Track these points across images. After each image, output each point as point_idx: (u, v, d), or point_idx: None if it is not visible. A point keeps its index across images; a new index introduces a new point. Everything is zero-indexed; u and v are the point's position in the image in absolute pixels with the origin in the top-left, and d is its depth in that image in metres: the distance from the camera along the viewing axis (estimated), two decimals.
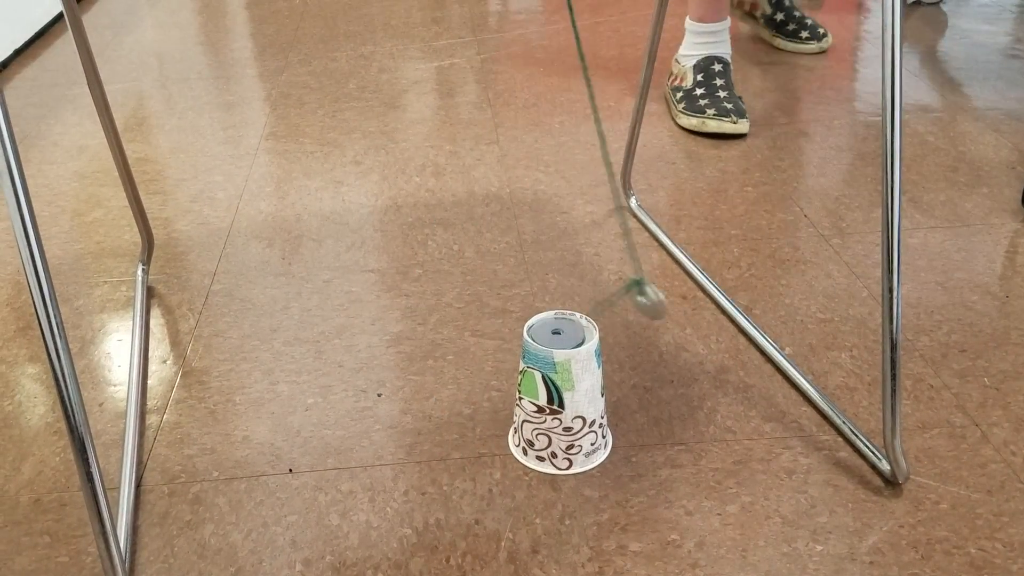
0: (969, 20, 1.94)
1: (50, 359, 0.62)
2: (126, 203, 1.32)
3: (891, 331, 0.74)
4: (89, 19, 2.15)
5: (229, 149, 1.47)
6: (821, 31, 1.74)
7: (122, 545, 0.75)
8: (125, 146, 1.50)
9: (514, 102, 1.61)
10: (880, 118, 1.49)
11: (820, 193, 1.27)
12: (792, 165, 1.35)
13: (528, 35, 1.94)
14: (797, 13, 1.75)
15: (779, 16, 1.74)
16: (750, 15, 1.80)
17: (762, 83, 1.63)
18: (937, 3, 2.05)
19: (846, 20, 1.94)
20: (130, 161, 1.45)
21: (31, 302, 1.05)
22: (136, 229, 1.25)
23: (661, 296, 0.84)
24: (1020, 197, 1.24)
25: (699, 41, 1.50)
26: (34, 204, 1.31)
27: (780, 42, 1.76)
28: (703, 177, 1.32)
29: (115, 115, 1.61)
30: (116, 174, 1.40)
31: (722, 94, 1.46)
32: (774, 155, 1.38)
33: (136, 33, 2.04)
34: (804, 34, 1.74)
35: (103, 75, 1.79)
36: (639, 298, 0.83)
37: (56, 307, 0.62)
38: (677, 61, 1.55)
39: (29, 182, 1.39)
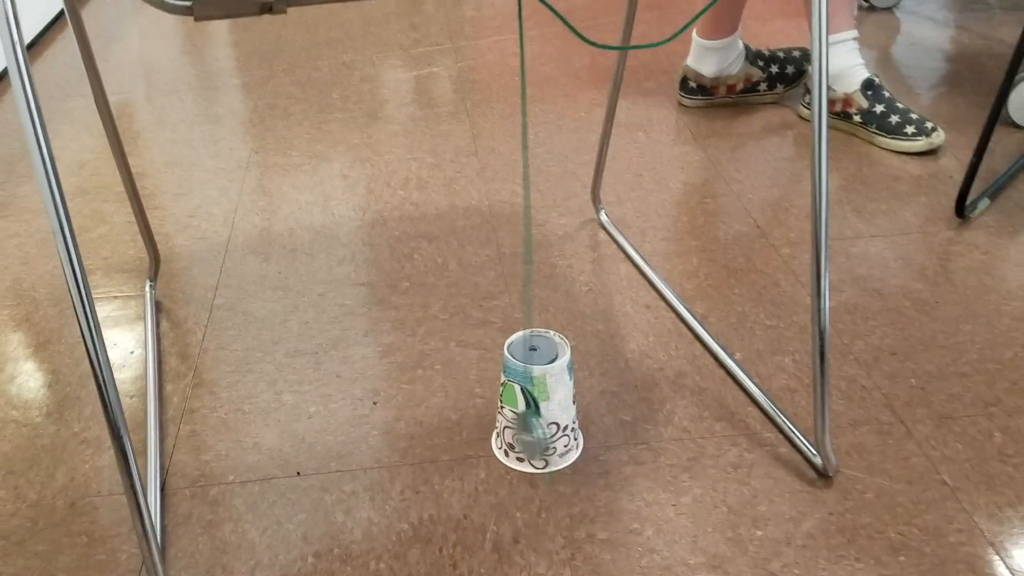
0: (921, 26, 2.06)
1: (95, 373, 0.72)
2: (128, 219, 1.40)
3: (820, 347, 0.86)
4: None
5: (221, 163, 1.56)
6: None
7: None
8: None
9: (491, 113, 1.70)
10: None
11: (772, 204, 1.38)
12: (748, 176, 1.46)
13: (503, 43, 2.03)
14: (900, 105, 1.53)
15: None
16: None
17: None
18: (890, 8, 2.16)
19: (803, 26, 2.04)
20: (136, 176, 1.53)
21: (75, 318, 1.14)
22: (139, 244, 1.34)
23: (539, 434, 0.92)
24: (954, 206, 1.36)
25: (856, 51, 1.53)
26: (41, 221, 1.40)
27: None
28: (667, 189, 1.43)
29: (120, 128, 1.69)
30: (117, 190, 1.48)
31: (901, 105, 1.53)
32: (731, 167, 1.49)
33: (124, 42, 2.11)
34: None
35: (107, 84, 1.86)
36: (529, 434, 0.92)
37: (96, 322, 0.72)
38: (830, 87, 1.54)
39: (33, 198, 1.47)
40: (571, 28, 0.66)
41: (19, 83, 0.65)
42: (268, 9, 0.61)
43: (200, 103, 1.79)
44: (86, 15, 2.29)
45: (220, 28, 2.19)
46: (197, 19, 0.60)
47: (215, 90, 1.84)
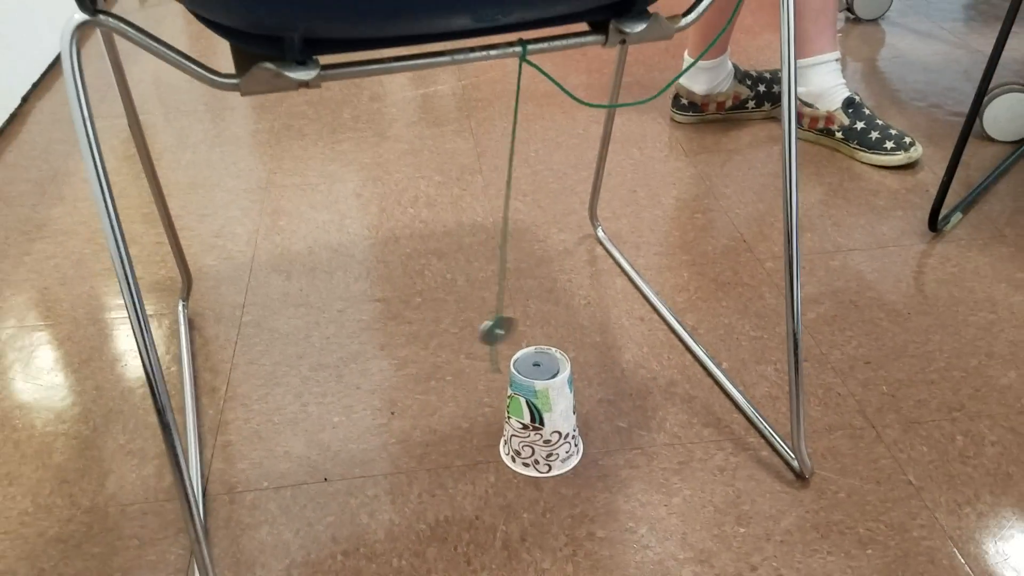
0: (905, 38, 2.15)
1: (151, 389, 0.82)
2: (156, 240, 1.50)
3: (794, 362, 0.95)
4: (93, 46, 2.30)
5: (242, 183, 1.66)
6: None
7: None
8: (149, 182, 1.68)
9: (494, 131, 1.80)
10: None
11: (757, 219, 1.48)
12: (735, 192, 1.56)
13: (504, 60, 2.12)
14: (879, 121, 1.63)
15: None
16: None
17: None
18: (876, 20, 2.25)
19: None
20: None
21: (113, 337, 1.24)
22: (168, 264, 1.43)
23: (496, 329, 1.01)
24: (927, 219, 1.45)
25: (838, 71, 1.63)
26: (75, 242, 1.49)
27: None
28: (660, 205, 1.53)
29: (132, 151, 1.78)
30: (144, 210, 1.58)
31: (881, 121, 1.63)
32: (720, 182, 1.59)
33: (139, 63, 2.20)
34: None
35: (114, 108, 1.96)
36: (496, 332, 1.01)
37: (149, 330, 0.81)
38: (812, 105, 1.66)
39: (66, 219, 1.57)
40: (563, 89, 0.76)
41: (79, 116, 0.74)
42: (305, 85, 0.70)
43: (218, 124, 1.88)
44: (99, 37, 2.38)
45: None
46: (244, 94, 0.70)
47: (231, 111, 1.94)
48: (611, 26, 0.76)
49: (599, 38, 0.76)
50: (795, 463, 1.02)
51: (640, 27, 0.76)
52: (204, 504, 1.01)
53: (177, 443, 0.80)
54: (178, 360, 1.23)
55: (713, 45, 1.68)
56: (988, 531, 0.95)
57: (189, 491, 0.82)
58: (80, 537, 0.99)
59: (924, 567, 0.92)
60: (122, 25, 0.69)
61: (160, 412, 0.79)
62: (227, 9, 0.65)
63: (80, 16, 0.68)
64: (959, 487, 1.00)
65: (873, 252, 1.39)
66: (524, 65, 2.07)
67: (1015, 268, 1.33)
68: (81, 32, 0.71)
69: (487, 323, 0.97)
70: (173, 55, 0.71)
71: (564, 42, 0.76)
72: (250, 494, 1.02)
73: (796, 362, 0.96)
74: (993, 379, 1.14)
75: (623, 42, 0.76)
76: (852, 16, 2.26)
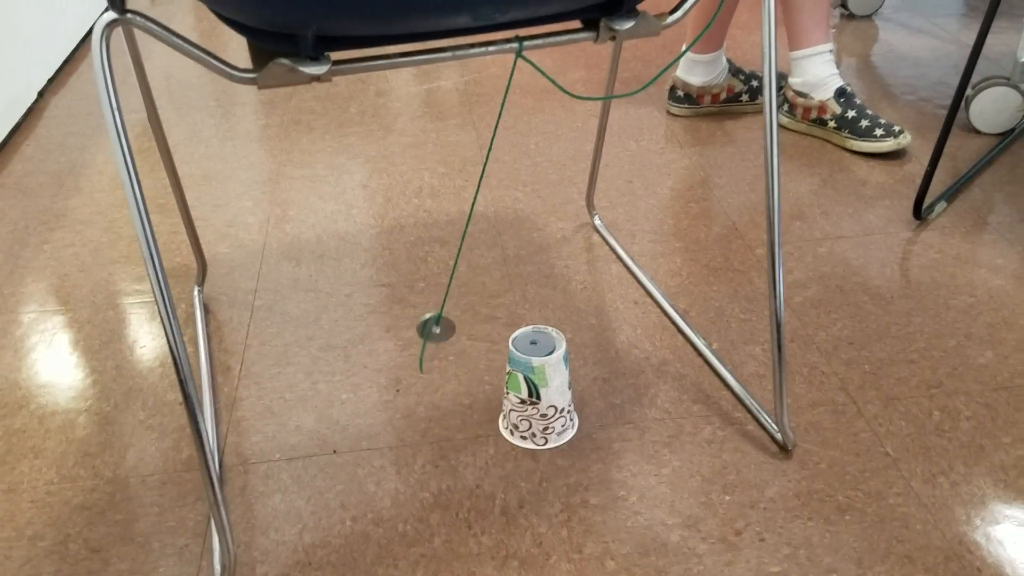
0: (897, 33, 2.20)
1: (174, 359, 0.87)
2: (172, 229, 1.56)
3: (777, 340, 1.01)
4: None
5: (253, 175, 1.72)
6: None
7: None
8: (166, 172, 1.74)
9: (494, 124, 1.85)
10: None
11: (750, 208, 1.53)
12: (729, 182, 1.61)
13: (505, 57, 2.18)
14: (870, 112, 1.69)
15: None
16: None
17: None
18: (869, 16, 2.30)
19: (783, 35, 2.18)
20: (171, 189, 1.69)
21: (129, 322, 1.30)
22: (184, 252, 1.49)
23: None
24: (912, 208, 1.51)
25: (831, 62, 1.71)
26: (92, 231, 1.56)
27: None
28: (655, 195, 1.59)
29: (145, 144, 1.85)
30: (159, 201, 1.64)
31: (871, 111, 1.70)
32: (714, 173, 1.64)
33: (151, 60, 2.27)
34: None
35: (130, 103, 2.02)
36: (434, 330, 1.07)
37: (176, 319, 0.87)
38: (806, 95, 1.72)
39: (83, 210, 1.63)
40: (555, 83, 0.81)
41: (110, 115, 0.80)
42: (317, 79, 0.76)
43: (229, 119, 1.94)
44: (118, 34, 2.45)
45: (242, 48, 2.34)
46: (260, 87, 0.75)
47: (242, 106, 2.00)
48: (602, 23, 0.82)
49: (590, 35, 0.82)
50: (779, 436, 1.08)
51: (628, 24, 0.81)
52: (220, 474, 1.07)
53: (197, 410, 0.86)
54: (194, 342, 1.29)
55: (703, 36, 1.73)
56: (960, 499, 1.01)
57: (207, 450, 0.88)
58: (103, 505, 1.05)
59: (898, 531, 0.97)
60: (149, 23, 0.75)
61: (182, 382, 0.85)
62: (246, 9, 0.71)
63: (110, 15, 0.74)
64: (934, 458, 1.06)
65: (860, 239, 1.44)
66: (523, 62, 2.12)
67: (995, 254, 1.39)
68: (110, 29, 0.76)
69: (427, 316, 1.03)
70: (197, 52, 0.76)
71: (558, 39, 0.81)
72: (263, 465, 1.09)
73: (779, 340, 1.01)
74: (970, 358, 1.19)
75: (613, 38, 0.81)
76: (846, 12, 2.31)
